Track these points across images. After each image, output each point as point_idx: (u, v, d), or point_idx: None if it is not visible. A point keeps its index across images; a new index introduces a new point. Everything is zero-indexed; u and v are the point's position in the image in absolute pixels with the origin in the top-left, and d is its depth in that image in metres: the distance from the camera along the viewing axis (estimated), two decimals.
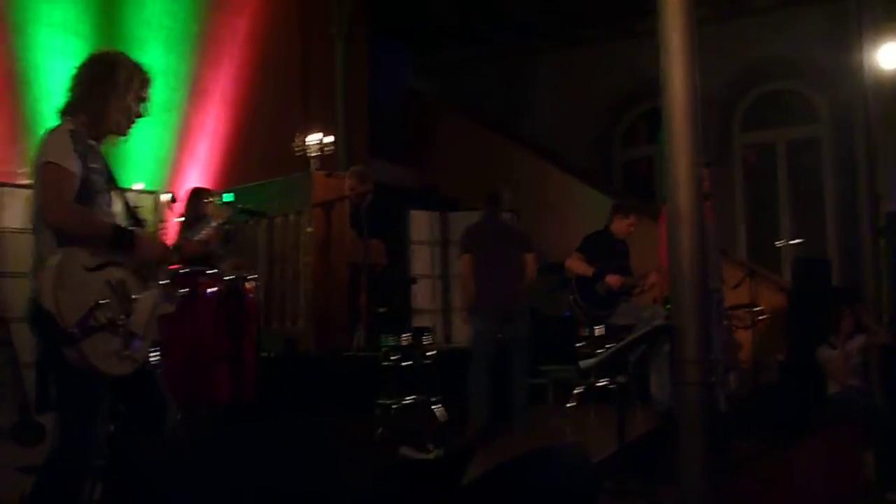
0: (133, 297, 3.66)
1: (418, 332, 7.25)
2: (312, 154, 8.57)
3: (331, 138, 8.97)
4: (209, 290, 6.38)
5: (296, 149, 8.69)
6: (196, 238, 4.18)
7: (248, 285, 6.62)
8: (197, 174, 9.80)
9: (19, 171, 8.39)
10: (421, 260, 10.00)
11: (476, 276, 7.41)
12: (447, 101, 13.50)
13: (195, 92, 10.03)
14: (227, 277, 6.46)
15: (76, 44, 8.95)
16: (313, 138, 8.61)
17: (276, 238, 8.47)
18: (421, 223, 10.10)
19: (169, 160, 9.65)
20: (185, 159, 9.82)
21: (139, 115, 3.82)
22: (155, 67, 3.98)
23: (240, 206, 6.94)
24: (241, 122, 10.47)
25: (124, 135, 3.81)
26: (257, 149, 10.31)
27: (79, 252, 3.53)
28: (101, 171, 3.70)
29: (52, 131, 3.65)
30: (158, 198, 7.88)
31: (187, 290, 6.12)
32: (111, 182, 3.78)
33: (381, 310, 7.78)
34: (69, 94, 3.76)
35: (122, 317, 3.59)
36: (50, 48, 8.81)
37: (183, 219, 7.00)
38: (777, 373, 8.93)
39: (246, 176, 9.63)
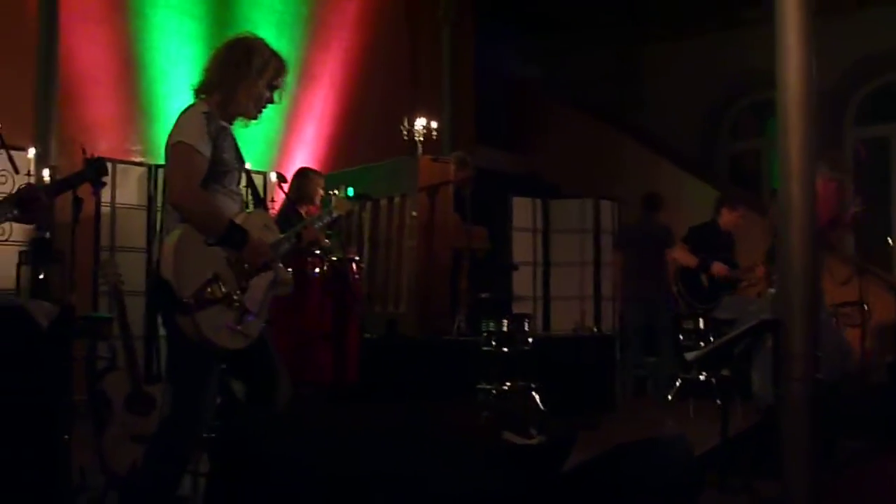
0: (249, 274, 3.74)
1: (519, 319, 7.26)
2: (419, 138, 8.61)
3: (437, 123, 9.01)
4: (315, 271, 6.47)
5: (403, 133, 8.75)
6: (318, 226, 4.24)
7: (353, 267, 6.71)
8: (304, 155, 9.96)
9: (133, 148, 8.67)
10: (522, 247, 10.00)
11: (627, 271, 8.70)
12: (552, 87, 13.42)
13: (304, 75, 10.19)
14: (334, 258, 6.54)
15: (191, 26, 9.18)
16: (420, 123, 8.65)
17: (381, 221, 8.55)
18: (523, 210, 10.09)
19: (277, 141, 9.83)
20: (292, 141, 9.99)
21: (270, 101, 3.87)
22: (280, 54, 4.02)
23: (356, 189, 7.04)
24: (349, 106, 10.62)
25: (254, 118, 3.87)
26: (364, 132, 10.42)
27: None
28: (230, 151, 3.76)
29: (188, 111, 3.71)
30: (267, 177, 8.04)
31: (294, 269, 6.22)
32: (240, 162, 3.86)
33: (483, 295, 7.81)
34: (204, 73, 3.82)
35: (238, 292, 3.65)
36: (166, 30, 9.06)
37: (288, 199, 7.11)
38: (887, 374, 8.69)
39: (352, 158, 9.77)
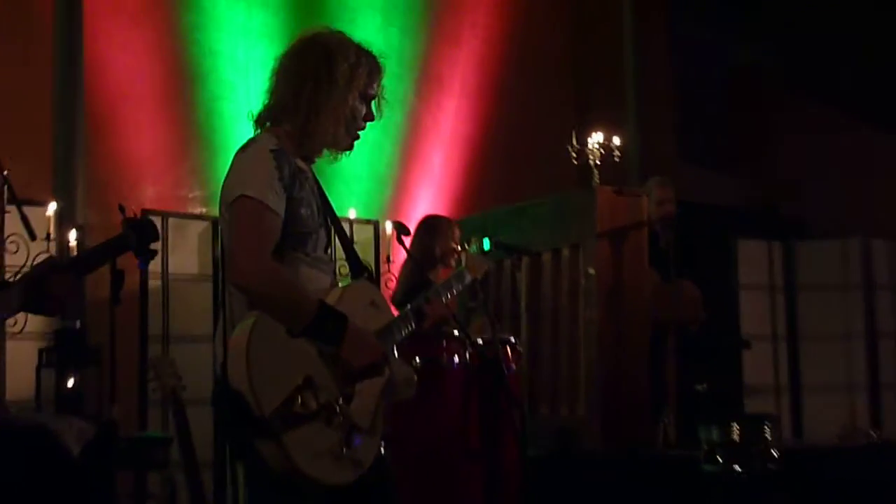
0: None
1: (755, 423, 7.11)
2: (594, 161, 8.58)
3: (619, 139, 8.98)
4: (454, 361, 6.49)
5: (570, 155, 8.74)
6: (447, 299, 4.24)
7: (507, 352, 6.69)
8: (429, 195, 10.09)
9: (191, 195, 8.86)
10: (755, 313, 9.83)
11: None
12: (792, 80, 13.23)
13: (425, 80, 10.35)
14: (479, 342, 6.55)
15: (265, 20, 9.37)
16: (596, 139, 8.63)
17: (544, 284, 8.51)
18: (754, 258, 9.93)
19: (390, 176, 9.95)
20: (412, 174, 10.10)
21: (369, 119, 3.93)
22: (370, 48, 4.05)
23: (493, 238, 7.05)
24: (490, 121, 10.75)
25: (348, 148, 3.94)
26: (513, 157, 10.52)
27: None
28: (312, 201, 3.82)
29: (248, 149, 3.76)
30: (379, 228, 8.11)
31: (421, 360, 6.26)
32: (327, 215, 3.92)
33: (699, 387, 7.69)
34: (268, 95, 3.90)
35: (340, 402, 3.66)
36: (230, 27, 9.29)
37: (411, 259, 7.15)
38: None
39: (498, 195, 9.85)
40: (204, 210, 8.63)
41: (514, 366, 6.80)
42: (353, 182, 9.17)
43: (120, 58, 8.68)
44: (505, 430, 6.50)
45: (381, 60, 3.96)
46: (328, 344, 3.66)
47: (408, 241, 5.77)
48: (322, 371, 3.65)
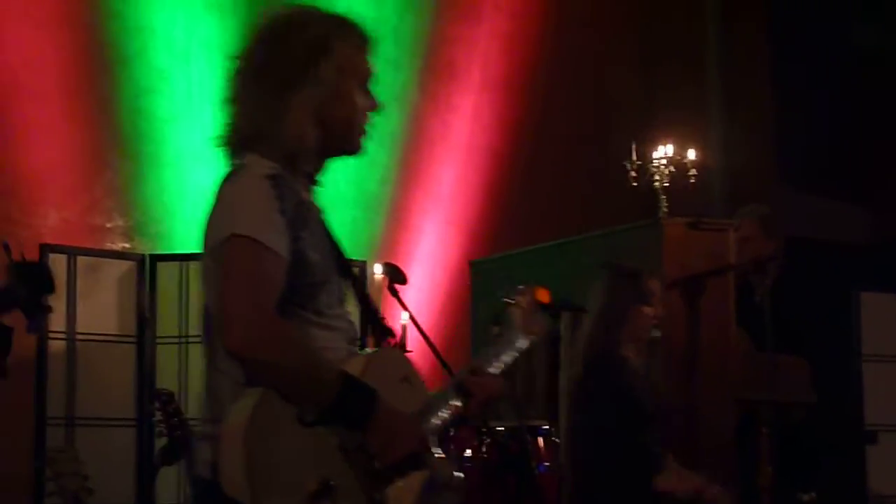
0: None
1: None
2: (661, 183, 8.57)
3: (695, 152, 8.98)
4: (466, 455, 6.49)
5: (631, 175, 8.73)
6: (498, 370, 4.13)
7: (540, 445, 6.67)
8: (435, 227, 10.11)
9: (109, 224, 8.86)
10: (886, 394, 9.79)
11: None
12: None
13: (432, 69, 10.39)
14: (500, 429, 6.53)
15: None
16: (663, 155, 8.63)
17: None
18: (883, 318, 9.90)
19: (384, 200, 9.97)
20: (413, 198, 10.09)
21: (372, 109, 3.93)
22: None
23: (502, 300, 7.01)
24: (519, 127, 10.76)
25: (357, 149, 3.94)
26: (551, 177, 10.49)
27: None
28: (323, 242, 3.84)
29: (238, 177, 3.77)
30: (367, 273, 8.12)
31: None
32: (340, 259, 3.93)
33: (806, 497, 7.67)
34: (233, 109, 3.89)
35: None
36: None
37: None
38: None
39: (528, 229, 9.91)
40: (127, 245, 8.66)
41: (547, 463, 6.76)
42: (334, 207, 8.95)
43: (12, 34, 8.68)
44: None
45: (366, 31, 3.94)
46: (352, 429, 3.64)
47: (402, 290, 5.69)
48: (343, 470, 3.64)
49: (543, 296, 4.92)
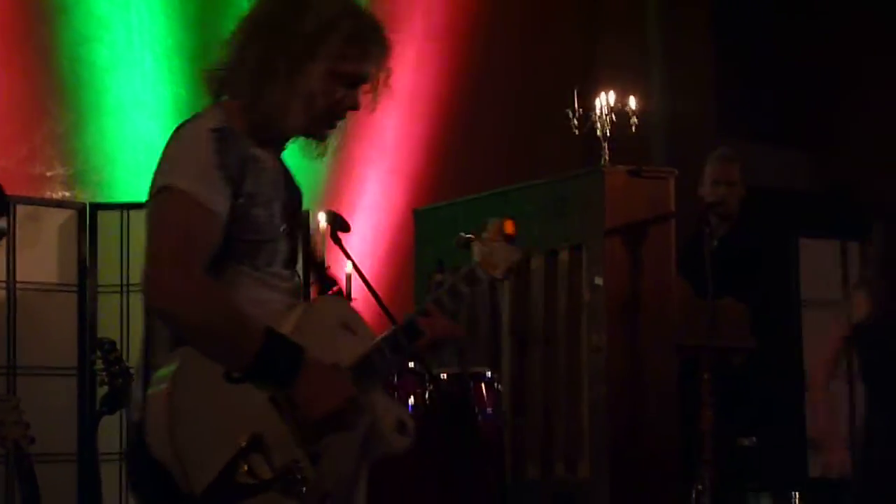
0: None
1: (819, 488, 7.15)
2: (602, 130, 8.58)
3: (635, 100, 8.98)
4: (408, 403, 6.54)
5: (573, 123, 8.73)
6: (452, 308, 4.05)
7: (482, 391, 6.68)
8: (379, 176, 10.18)
9: (50, 173, 8.84)
10: (825, 340, 9.84)
11: None
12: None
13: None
14: (443, 376, 6.54)
15: None
16: (604, 103, 8.63)
17: (534, 298, 8.52)
18: (822, 263, 9.94)
19: (330, 146, 9.90)
20: (356, 147, 10.05)
21: (350, 107, 3.90)
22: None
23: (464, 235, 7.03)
24: (461, 75, 10.78)
25: (320, 135, 3.92)
26: (493, 125, 10.52)
27: None
28: (274, 200, 3.80)
29: (184, 128, 3.75)
30: (310, 222, 8.13)
31: None
32: (292, 218, 3.91)
33: (746, 441, 7.70)
34: (229, 54, 3.87)
35: (302, 462, 3.65)
36: None
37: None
38: None
39: (471, 177, 9.94)
40: (68, 194, 8.64)
41: (490, 409, 6.78)
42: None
43: None
44: (478, 497, 6.50)
45: (383, 32, 3.90)
46: (279, 387, 3.61)
47: (346, 238, 5.67)
48: (276, 426, 3.63)
49: (510, 227, 4.87)
